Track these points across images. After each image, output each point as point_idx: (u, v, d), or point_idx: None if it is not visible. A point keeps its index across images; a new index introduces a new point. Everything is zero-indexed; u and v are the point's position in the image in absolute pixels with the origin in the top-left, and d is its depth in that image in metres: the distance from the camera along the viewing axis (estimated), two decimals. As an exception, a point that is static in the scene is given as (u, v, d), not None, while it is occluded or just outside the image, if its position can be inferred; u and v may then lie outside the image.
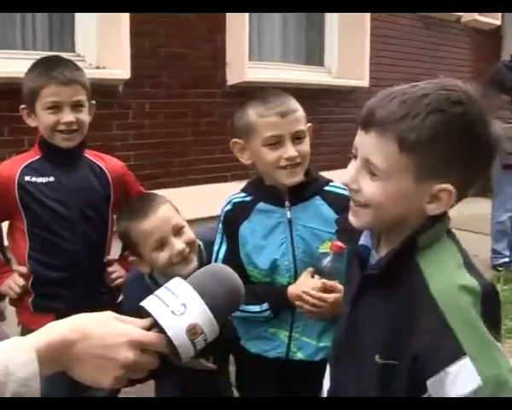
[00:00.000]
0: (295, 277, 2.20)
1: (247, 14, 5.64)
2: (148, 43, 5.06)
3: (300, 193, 2.22)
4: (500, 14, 9.50)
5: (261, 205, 2.25)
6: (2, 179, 2.50)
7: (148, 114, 5.10)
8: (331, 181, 2.27)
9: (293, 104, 2.22)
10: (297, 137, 2.18)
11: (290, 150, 2.15)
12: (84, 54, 4.82)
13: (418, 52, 7.87)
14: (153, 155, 5.10)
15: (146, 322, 1.19)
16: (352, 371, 1.51)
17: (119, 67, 4.77)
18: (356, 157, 1.41)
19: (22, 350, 1.07)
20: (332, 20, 6.95)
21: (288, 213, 2.21)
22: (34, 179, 2.51)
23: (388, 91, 1.38)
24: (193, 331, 1.16)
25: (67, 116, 2.47)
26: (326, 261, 2.08)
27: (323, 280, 2.10)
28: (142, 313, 1.20)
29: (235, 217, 2.27)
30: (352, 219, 1.45)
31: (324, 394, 1.67)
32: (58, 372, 1.13)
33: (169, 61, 5.21)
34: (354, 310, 1.52)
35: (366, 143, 1.37)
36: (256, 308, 2.22)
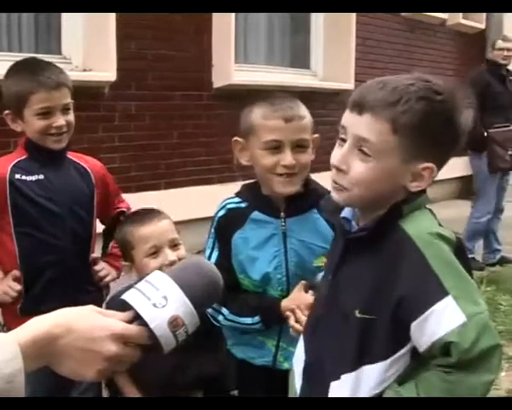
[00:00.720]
0: (288, 290, 2.15)
1: (232, 17, 5.66)
2: (135, 45, 5.07)
3: (297, 205, 2.14)
4: (485, 17, 9.58)
5: (256, 214, 2.17)
6: None
7: (133, 116, 5.10)
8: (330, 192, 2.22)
9: (301, 111, 2.13)
10: (298, 145, 2.09)
11: (288, 158, 2.06)
12: (71, 56, 4.82)
13: (403, 55, 7.93)
14: (138, 158, 5.10)
15: (128, 315, 1.20)
16: (331, 334, 1.57)
17: (105, 70, 4.78)
18: (343, 140, 1.51)
19: (6, 346, 1.07)
20: (318, 23, 6.99)
21: (283, 225, 2.16)
22: (24, 177, 2.51)
23: (376, 80, 1.52)
24: (174, 323, 1.18)
25: (59, 120, 2.47)
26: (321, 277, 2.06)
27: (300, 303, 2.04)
28: (123, 307, 1.21)
29: (228, 224, 2.20)
30: (335, 195, 1.54)
31: (296, 377, 1.68)
32: (43, 367, 1.14)
33: (155, 63, 5.22)
34: (337, 274, 1.59)
35: (359, 124, 1.48)
36: (247, 320, 2.18)
